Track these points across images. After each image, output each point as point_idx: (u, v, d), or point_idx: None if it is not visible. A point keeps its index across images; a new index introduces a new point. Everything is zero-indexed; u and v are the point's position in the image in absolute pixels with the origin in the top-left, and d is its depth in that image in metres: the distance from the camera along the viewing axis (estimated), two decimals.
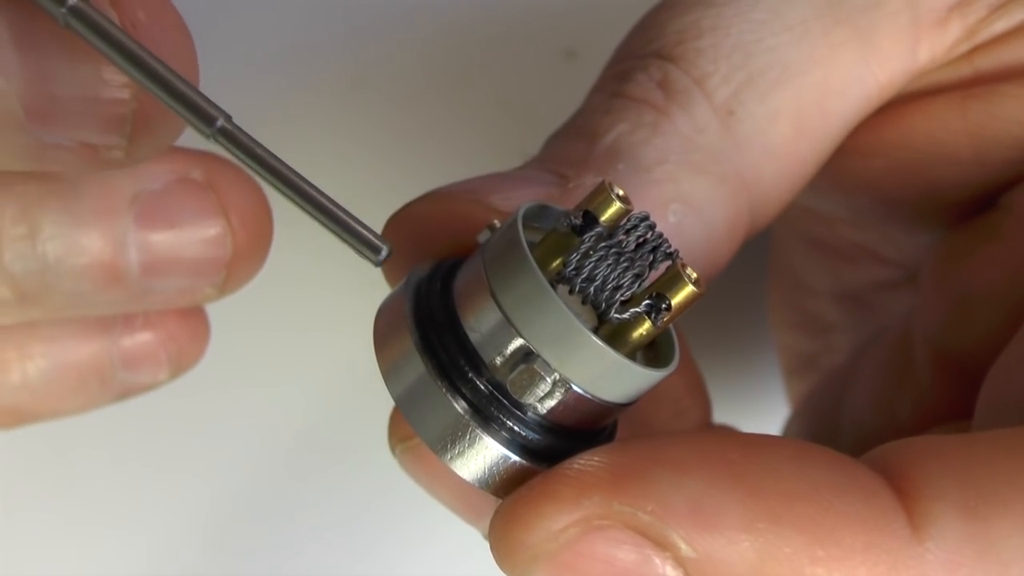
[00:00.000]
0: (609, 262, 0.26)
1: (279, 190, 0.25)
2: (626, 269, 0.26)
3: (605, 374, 0.26)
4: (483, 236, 0.28)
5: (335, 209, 0.25)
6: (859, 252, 0.40)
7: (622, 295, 0.26)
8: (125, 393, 0.35)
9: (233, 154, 0.25)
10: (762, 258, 0.44)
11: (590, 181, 0.29)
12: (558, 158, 0.31)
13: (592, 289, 0.26)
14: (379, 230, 0.29)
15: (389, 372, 0.27)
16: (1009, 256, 0.33)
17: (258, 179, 0.25)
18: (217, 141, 0.25)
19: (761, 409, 0.46)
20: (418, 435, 0.27)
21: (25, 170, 0.29)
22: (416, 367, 0.27)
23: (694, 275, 0.26)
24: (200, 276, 0.32)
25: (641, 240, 0.27)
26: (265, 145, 0.25)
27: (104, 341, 0.34)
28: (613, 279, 0.26)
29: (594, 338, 0.26)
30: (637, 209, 0.27)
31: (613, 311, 0.26)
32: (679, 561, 0.25)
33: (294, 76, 0.43)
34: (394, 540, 0.46)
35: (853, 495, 0.25)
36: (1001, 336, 0.32)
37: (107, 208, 0.31)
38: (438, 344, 0.27)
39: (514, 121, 0.44)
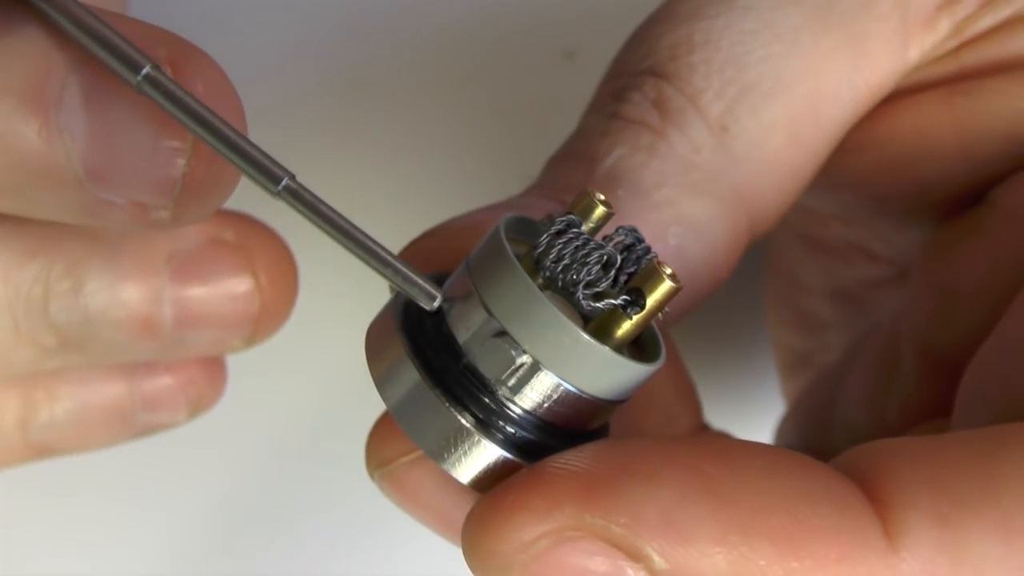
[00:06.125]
0: (577, 244, 0.26)
1: (340, 243, 0.27)
2: (593, 250, 0.26)
3: (584, 362, 0.26)
4: None
5: (392, 260, 0.27)
6: (851, 249, 0.40)
7: (587, 275, 0.26)
8: (145, 432, 0.36)
9: (297, 210, 0.27)
10: (758, 256, 0.44)
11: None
12: (559, 184, 0.31)
13: (559, 270, 0.26)
14: (384, 232, 0.30)
15: (383, 382, 0.27)
16: (992, 252, 0.33)
17: (321, 232, 0.27)
18: (282, 199, 0.27)
19: (757, 407, 0.46)
20: (415, 442, 0.27)
21: (77, 223, 0.30)
22: (409, 375, 0.27)
23: (669, 270, 0.26)
24: (229, 329, 0.34)
25: (623, 245, 0.27)
26: (327, 201, 0.27)
27: (127, 384, 0.35)
28: (579, 259, 0.26)
29: (565, 318, 0.26)
30: (637, 230, 0.27)
31: (579, 293, 0.26)
32: (652, 572, 0.25)
33: (293, 76, 0.43)
34: (395, 539, 0.46)
35: (827, 506, 0.25)
36: (983, 333, 0.32)
37: (145, 265, 0.33)
38: (428, 350, 0.27)
39: (514, 121, 0.44)
